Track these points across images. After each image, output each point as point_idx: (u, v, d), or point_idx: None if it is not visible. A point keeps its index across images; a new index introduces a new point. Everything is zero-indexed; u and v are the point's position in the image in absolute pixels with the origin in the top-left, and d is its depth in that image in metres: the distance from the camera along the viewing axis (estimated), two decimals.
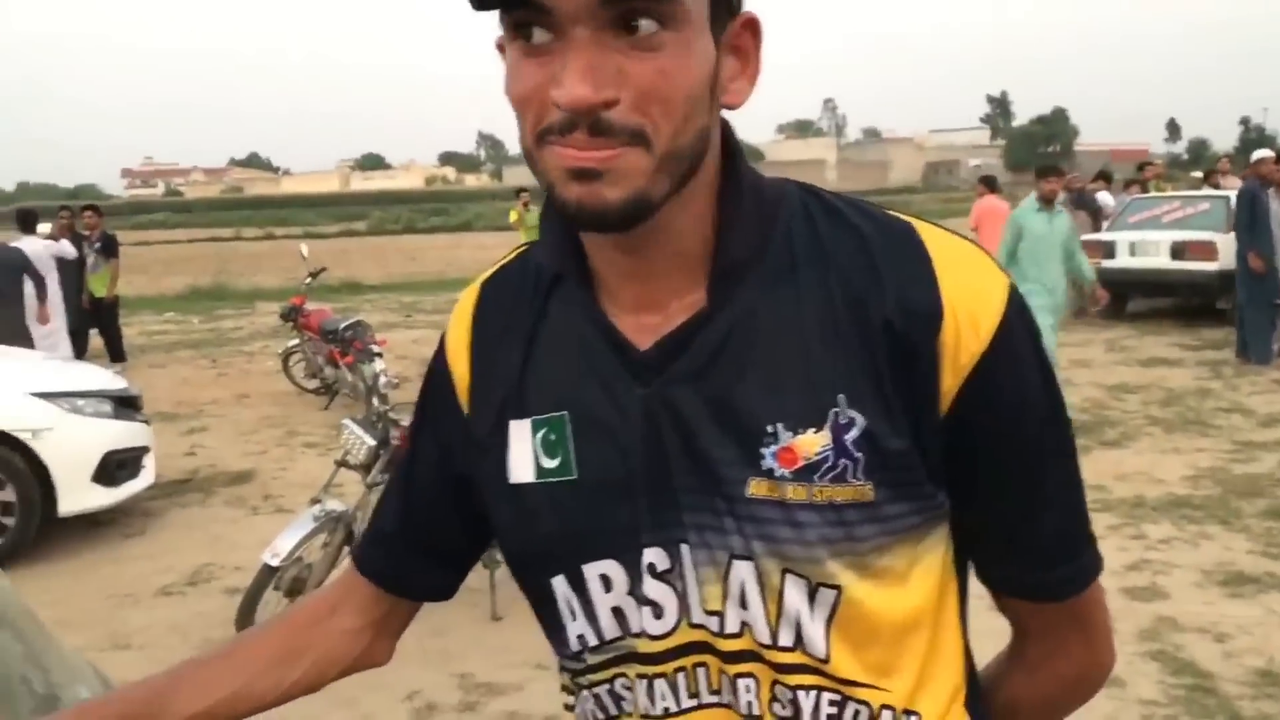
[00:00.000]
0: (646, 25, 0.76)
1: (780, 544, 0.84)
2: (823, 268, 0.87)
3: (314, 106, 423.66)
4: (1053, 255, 7.75)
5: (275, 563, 4.21)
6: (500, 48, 0.85)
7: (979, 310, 0.84)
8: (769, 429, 0.84)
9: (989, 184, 12.53)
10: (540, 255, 0.96)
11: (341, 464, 4.63)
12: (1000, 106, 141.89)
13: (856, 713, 0.87)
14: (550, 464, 0.91)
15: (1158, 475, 6.58)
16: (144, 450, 6.38)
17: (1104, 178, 16.25)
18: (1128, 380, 9.65)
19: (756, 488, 0.84)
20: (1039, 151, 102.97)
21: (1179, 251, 12.62)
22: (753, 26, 0.86)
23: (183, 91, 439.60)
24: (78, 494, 5.89)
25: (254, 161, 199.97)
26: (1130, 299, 13.58)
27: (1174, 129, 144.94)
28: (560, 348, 0.93)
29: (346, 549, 4.44)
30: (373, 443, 4.46)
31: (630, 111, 0.77)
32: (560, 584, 0.92)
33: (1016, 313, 0.86)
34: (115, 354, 12.02)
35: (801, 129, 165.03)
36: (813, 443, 0.83)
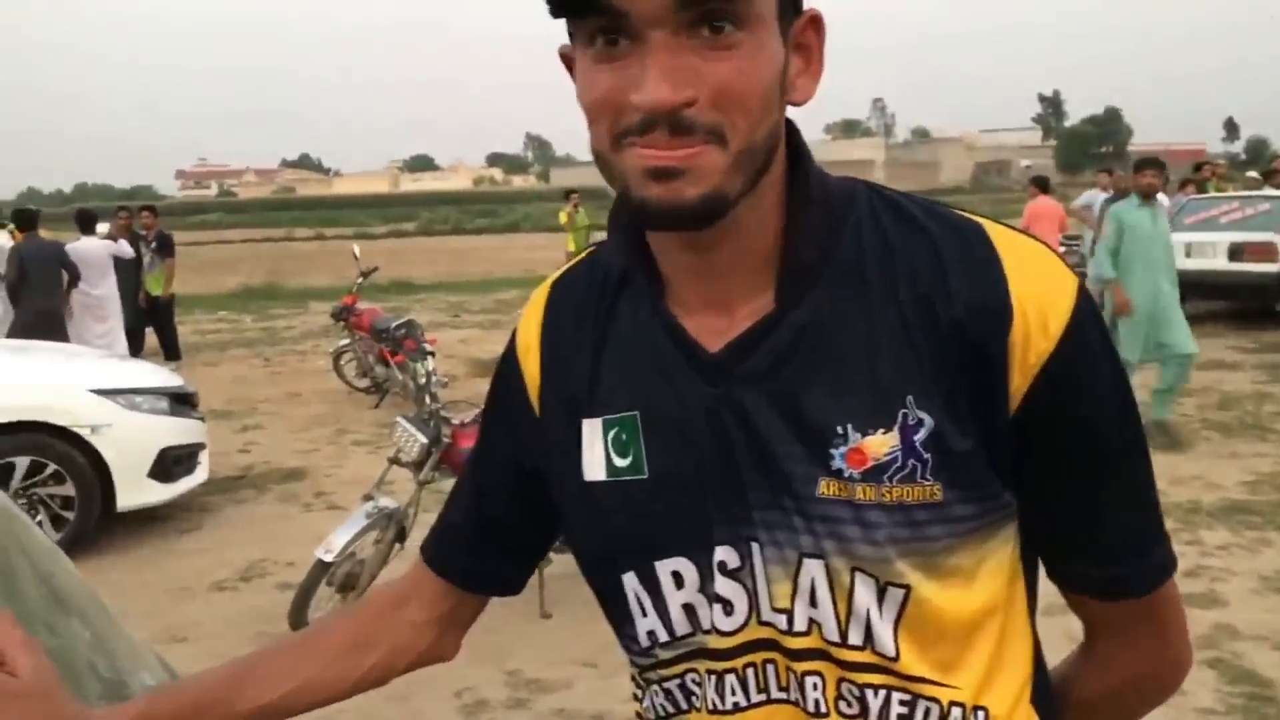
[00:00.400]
0: (722, 26, 0.77)
1: (850, 543, 0.84)
2: (891, 268, 0.87)
3: (364, 108, 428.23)
4: (1158, 256, 7.19)
5: (329, 558, 4.26)
6: (564, 56, 0.86)
7: (1048, 310, 0.84)
8: (838, 430, 0.84)
9: (1040, 185, 12.39)
10: (608, 255, 0.97)
11: (394, 461, 4.68)
12: (1052, 106, 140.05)
13: (928, 711, 0.87)
14: (622, 463, 0.92)
15: (1214, 480, 6.47)
16: (199, 447, 6.49)
17: None
18: None
19: (826, 488, 0.84)
20: (1091, 152, 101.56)
21: (1237, 253, 12.35)
22: (816, 23, 0.87)
23: (235, 94, 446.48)
24: (135, 489, 6.00)
25: (305, 162, 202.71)
26: (1186, 301, 13.30)
27: (1231, 128, 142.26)
28: (629, 348, 0.94)
29: (398, 546, 4.49)
30: (425, 440, 4.51)
31: (708, 110, 0.78)
32: (631, 580, 0.93)
33: (1085, 312, 0.86)
34: (170, 352, 12.20)
35: (849, 129, 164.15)
36: (882, 443, 0.84)
